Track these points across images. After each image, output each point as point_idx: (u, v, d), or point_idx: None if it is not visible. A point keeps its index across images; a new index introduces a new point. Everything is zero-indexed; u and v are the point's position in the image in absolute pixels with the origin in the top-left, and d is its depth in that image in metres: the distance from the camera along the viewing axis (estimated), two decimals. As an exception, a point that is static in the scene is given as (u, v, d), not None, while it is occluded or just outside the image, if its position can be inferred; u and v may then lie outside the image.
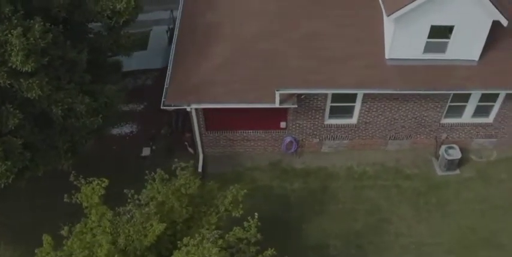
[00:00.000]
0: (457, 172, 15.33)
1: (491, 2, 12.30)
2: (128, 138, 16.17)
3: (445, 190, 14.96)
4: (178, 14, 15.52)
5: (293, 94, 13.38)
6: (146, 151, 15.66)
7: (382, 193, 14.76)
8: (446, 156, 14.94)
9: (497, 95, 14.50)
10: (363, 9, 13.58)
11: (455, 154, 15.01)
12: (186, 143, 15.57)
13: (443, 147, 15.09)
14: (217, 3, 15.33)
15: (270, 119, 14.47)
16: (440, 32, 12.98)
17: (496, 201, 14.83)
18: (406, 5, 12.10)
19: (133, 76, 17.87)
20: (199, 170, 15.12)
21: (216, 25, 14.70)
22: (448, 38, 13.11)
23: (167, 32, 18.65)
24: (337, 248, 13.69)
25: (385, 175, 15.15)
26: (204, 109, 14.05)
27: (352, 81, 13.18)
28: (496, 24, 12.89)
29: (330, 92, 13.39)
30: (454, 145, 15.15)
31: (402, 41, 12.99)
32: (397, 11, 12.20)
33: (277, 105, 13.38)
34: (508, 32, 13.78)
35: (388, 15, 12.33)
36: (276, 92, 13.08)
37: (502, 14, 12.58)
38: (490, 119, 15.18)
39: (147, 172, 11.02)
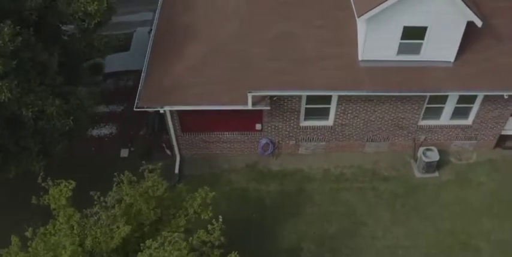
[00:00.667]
0: (436, 174, 15.17)
1: (464, 2, 12.14)
2: (107, 139, 16.20)
3: (423, 193, 14.80)
4: (156, 15, 15.54)
5: (266, 96, 13.33)
6: (124, 153, 15.68)
7: (359, 195, 14.64)
8: (424, 158, 14.78)
9: (475, 96, 14.32)
10: (336, 10, 13.46)
11: (434, 156, 14.85)
12: (163, 144, 15.57)
13: (421, 149, 14.93)
14: (195, 4, 15.34)
15: (245, 120, 14.42)
16: (414, 33, 12.82)
17: (475, 204, 14.65)
18: (376, 6, 11.97)
19: (116, 77, 17.91)
20: (176, 171, 15.13)
21: (192, 26, 14.69)
22: (422, 39, 12.95)
23: (149, 33, 18.64)
24: (311, 251, 13.60)
25: (362, 177, 15.02)
26: (179, 111, 14.04)
27: (324, 83, 13.07)
28: (471, 25, 12.73)
29: (301, 93, 13.31)
30: (433, 147, 14.99)
31: (375, 42, 12.86)
32: (367, 12, 12.08)
33: (249, 107, 13.32)
34: (483, 33, 13.61)
35: (358, 17, 12.21)
36: (248, 94, 13.02)
37: (476, 15, 12.42)
38: (469, 121, 15.00)
39: (115, 174, 11.08)
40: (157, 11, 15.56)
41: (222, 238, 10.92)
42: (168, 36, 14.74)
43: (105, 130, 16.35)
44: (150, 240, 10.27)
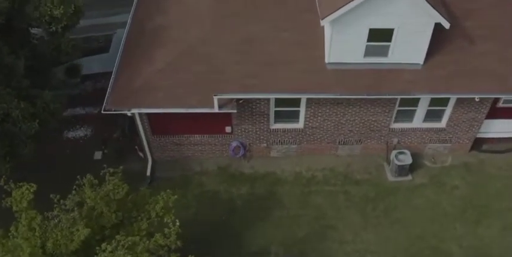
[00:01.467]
0: (409, 177, 14.99)
1: (429, 4, 11.96)
2: (82, 141, 16.25)
3: (395, 196, 14.63)
4: (129, 17, 15.57)
5: (232, 99, 13.27)
6: (98, 155, 15.72)
7: (330, 198, 14.51)
8: (396, 161, 14.61)
9: (447, 99, 14.13)
10: (305, 13, 13.31)
11: (406, 159, 14.68)
12: (136, 147, 15.58)
13: (394, 152, 14.77)
14: (167, 7, 15.29)
15: (215, 123, 14.37)
16: (381, 36, 12.65)
17: (447, 208, 14.45)
18: (338, 9, 11.84)
19: (94, 79, 17.94)
20: (148, 174, 15.14)
21: (164, 29, 14.66)
22: (389, 41, 12.78)
23: (128, 35, 18.70)
24: (279, 255, 13.48)
25: (334, 180, 14.90)
26: (148, 114, 14.04)
27: (290, 86, 12.96)
28: (442, 27, 12.55)
29: (266, 96, 13.22)
30: (405, 150, 14.82)
31: (341, 44, 12.72)
32: (330, 14, 11.95)
33: (216, 110, 13.27)
34: (455, 35, 13.43)
35: (322, 19, 12.09)
36: (214, 97, 12.97)
37: (443, 17, 12.24)
38: (443, 123, 14.80)
39: (78, 177, 11.13)
40: (131, 13, 15.58)
41: (178, 242, 10.92)
42: (140, 38, 14.72)
43: (80, 132, 16.40)
44: (105, 244, 10.35)
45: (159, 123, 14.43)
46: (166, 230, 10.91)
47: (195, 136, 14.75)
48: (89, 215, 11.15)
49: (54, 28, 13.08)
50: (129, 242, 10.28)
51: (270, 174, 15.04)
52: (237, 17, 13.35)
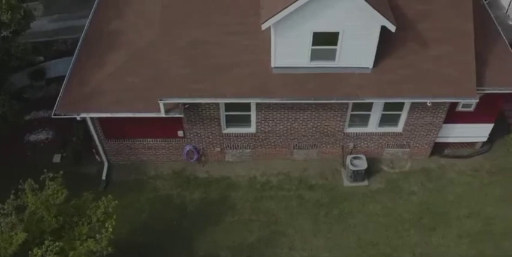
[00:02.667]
0: (366, 182, 14.72)
1: (372, 6, 11.67)
2: (43, 144, 16.33)
3: (350, 202, 14.38)
4: (87, 21, 15.59)
5: (178, 103, 13.19)
6: (57, 158, 15.78)
7: (282, 204, 14.33)
8: (351, 167, 14.35)
9: (402, 103, 13.81)
10: (251, 17, 13.03)
11: (361, 164, 14.40)
12: (93, 150, 15.61)
13: (349, 157, 14.51)
14: (124, 11, 15.29)
15: (167, 127, 14.30)
16: (326, 39, 12.41)
17: (403, 214, 14.15)
18: (278, 13, 11.64)
19: (60, 82, 17.92)
20: (103, 178, 15.14)
21: (118, 33, 14.67)
22: (335, 45, 12.53)
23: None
24: (226, 261, 13.45)
25: (288, 185, 14.70)
26: (100, 118, 14.04)
27: (236, 91, 12.81)
28: (389, 31, 12.25)
29: (211, 101, 13.08)
30: (361, 155, 14.54)
31: (285, 48, 12.50)
32: (269, 18, 11.75)
33: (162, 114, 13.24)
34: (407, 38, 13.11)
35: (262, 23, 11.89)
36: (159, 102, 12.92)
37: (388, 19, 11.93)
38: (399, 128, 14.49)
39: (21, 181, 11.19)
40: (89, 17, 15.60)
41: (109, 248, 10.92)
42: (95, 42, 14.75)
43: (42, 135, 16.46)
44: (36, 248, 10.44)
45: (112, 127, 14.42)
46: (97, 236, 10.96)
47: (149, 140, 14.70)
48: (30, 219, 11.23)
49: (4, 33, 13.14)
50: (57, 248, 10.38)
51: (225, 178, 14.92)
52: (184, 21, 13.20)
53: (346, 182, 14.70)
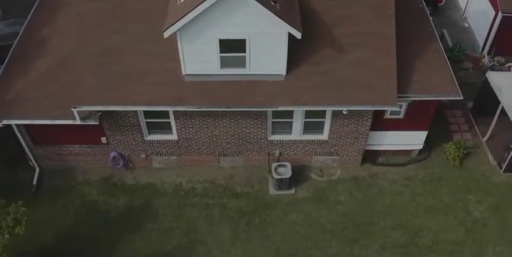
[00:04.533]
0: (292, 191, 14.40)
1: (274, 13, 11.34)
2: (-20, 149, 16.58)
3: (273, 211, 14.09)
4: (22, 27, 15.71)
5: (92, 111, 13.17)
6: (-9, 163, 16.02)
7: (205, 212, 14.14)
8: (275, 175, 14.06)
9: (323, 111, 13.43)
10: (161, 25, 12.88)
11: (285, 172, 14.09)
12: (27, 155, 15.75)
13: (274, 165, 14.22)
14: (57, 18, 15.28)
15: (90, 134, 14.28)
16: (233, 46, 12.13)
17: (326, 224, 13.80)
18: (177, 21, 11.43)
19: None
20: (34, 183, 15.25)
21: (45, 40, 14.70)
22: (244, 52, 12.24)
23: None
24: (142, 269, 13.37)
25: (213, 192, 14.50)
26: (26, 124, 14.16)
27: (146, 99, 12.69)
28: (304, 37, 11.91)
29: (121, 109, 12.96)
30: (286, 163, 14.23)
31: (193, 56, 12.28)
32: (169, 27, 11.55)
33: (78, 122, 13.25)
34: (324, 44, 12.75)
35: (163, 31, 11.71)
36: (73, 110, 12.93)
37: (292, 26, 11.58)
38: (325, 136, 14.10)
39: None
40: (25, 24, 15.72)
41: (4, 255, 11.00)
42: (24, 49, 14.85)
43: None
44: None
45: (38, 134, 14.50)
46: (-2, 241, 11.07)
47: (75, 146, 14.73)
48: None
49: None
50: None
51: (151, 185, 14.83)
52: (98, 28, 13.15)
53: (272, 190, 14.42)
